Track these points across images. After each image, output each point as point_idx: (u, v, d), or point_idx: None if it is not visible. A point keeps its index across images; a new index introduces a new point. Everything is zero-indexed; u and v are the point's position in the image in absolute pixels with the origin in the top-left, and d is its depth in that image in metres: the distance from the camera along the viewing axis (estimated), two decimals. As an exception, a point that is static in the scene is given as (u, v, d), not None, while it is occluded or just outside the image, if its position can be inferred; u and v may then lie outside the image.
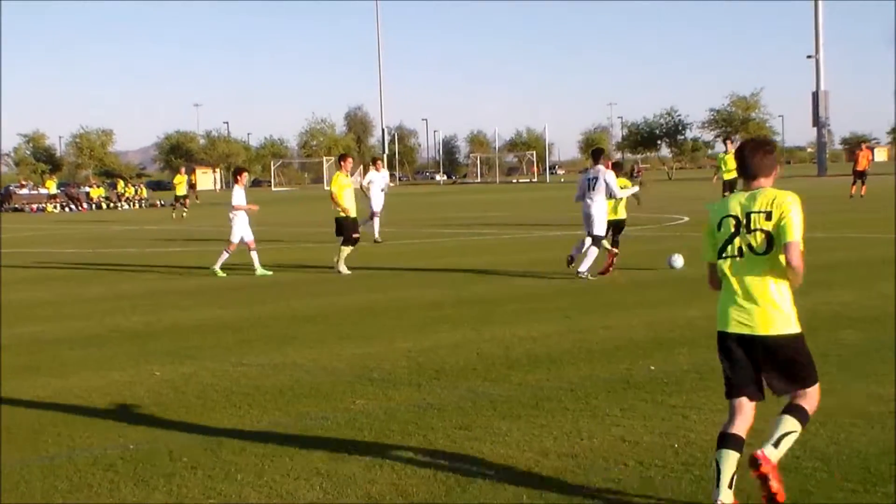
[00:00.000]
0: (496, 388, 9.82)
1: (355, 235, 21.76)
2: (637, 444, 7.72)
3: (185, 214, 52.33)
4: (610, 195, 19.35)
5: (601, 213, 19.21)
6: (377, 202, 30.74)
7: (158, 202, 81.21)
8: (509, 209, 50.84)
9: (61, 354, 12.66)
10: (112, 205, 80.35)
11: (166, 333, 14.08)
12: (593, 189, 19.18)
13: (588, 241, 19.25)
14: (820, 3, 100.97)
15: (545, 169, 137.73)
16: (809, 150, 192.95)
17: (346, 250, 21.50)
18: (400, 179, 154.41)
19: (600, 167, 19.39)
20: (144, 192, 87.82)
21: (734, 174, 32.39)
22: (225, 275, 21.40)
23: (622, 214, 20.65)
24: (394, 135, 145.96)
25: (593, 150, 21.07)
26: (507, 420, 8.57)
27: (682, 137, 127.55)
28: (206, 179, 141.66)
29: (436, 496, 6.76)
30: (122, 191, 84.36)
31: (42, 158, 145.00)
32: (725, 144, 31.46)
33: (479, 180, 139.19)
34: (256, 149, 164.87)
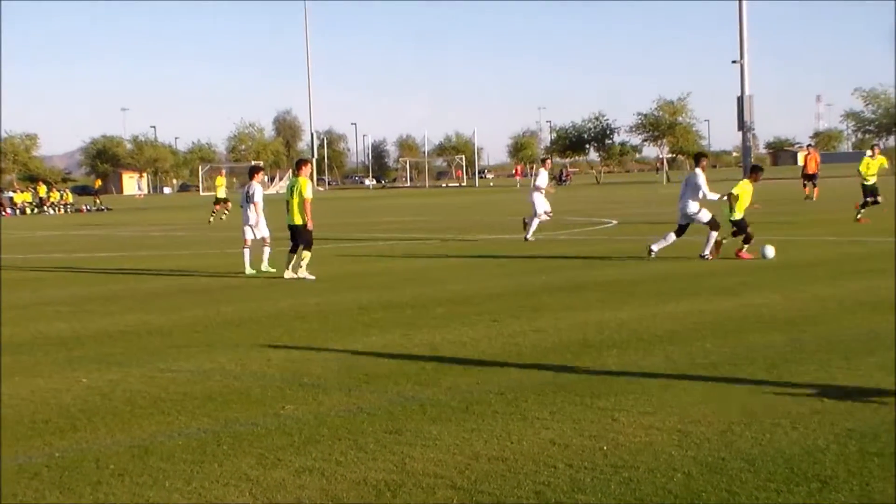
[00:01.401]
0: (426, 392, 9.82)
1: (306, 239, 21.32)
2: (566, 446, 7.77)
3: (224, 217, 49.31)
4: (701, 195, 21.86)
5: (694, 207, 22.02)
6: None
7: (84, 207, 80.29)
8: (439, 213, 50.89)
9: (-15, 362, 12.45)
10: (37, 210, 79.25)
11: (93, 339, 13.90)
12: (689, 187, 21.98)
13: (672, 235, 22.54)
14: (745, 8, 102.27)
15: (474, 173, 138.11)
16: (735, 154, 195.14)
17: (307, 256, 21.11)
18: (329, 184, 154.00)
19: (697, 170, 22.25)
20: (70, 198, 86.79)
21: (874, 179, 32.77)
22: (274, 270, 21.72)
23: (739, 215, 21.92)
24: (323, 139, 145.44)
25: (695, 154, 24.46)
26: (438, 424, 8.58)
27: (610, 142, 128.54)
28: (132, 184, 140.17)
29: (366, 500, 6.75)
30: (46, 196, 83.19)
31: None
32: (872, 150, 31.44)
33: (408, 184, 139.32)
34: (184, 153, 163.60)
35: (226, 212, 50.06)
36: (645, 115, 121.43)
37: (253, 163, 35.58)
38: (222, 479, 7.27)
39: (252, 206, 22.69)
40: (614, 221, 36.05)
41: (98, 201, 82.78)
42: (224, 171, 60.55)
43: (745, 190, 22.22)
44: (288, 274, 20.90)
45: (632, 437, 7.96)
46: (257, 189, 22.93)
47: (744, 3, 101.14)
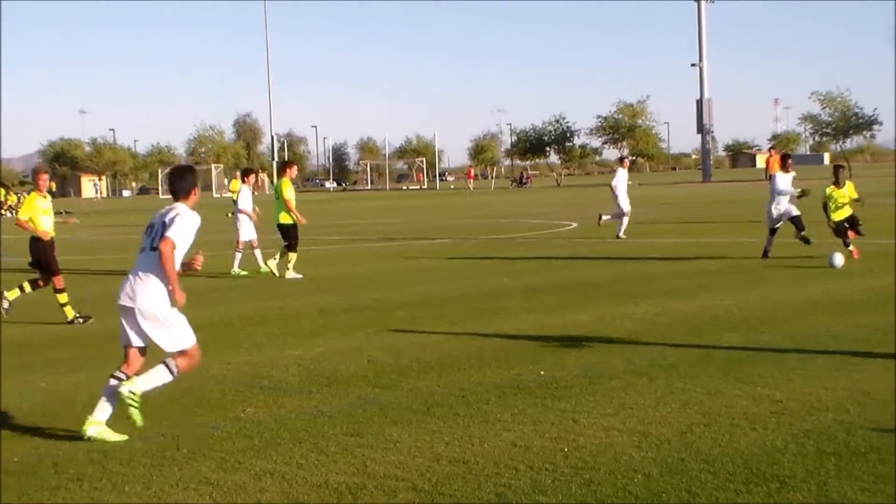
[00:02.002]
0: (387, 395, 9.83)
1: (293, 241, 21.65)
2: (527, 448, 7.79)
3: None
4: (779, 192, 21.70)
5: (776, 206, 21.73)
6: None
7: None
8: (400, 216, 50.87)
9: (-59, 366, 12.34)
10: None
11: (51, 344, 13.81)
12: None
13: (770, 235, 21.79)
14: (703, 12, 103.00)
15: (435, 176, 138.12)
16: (694, 156, 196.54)
17: (293, 256, 21.47)
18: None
19: (779, 173, 22.38)
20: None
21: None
22: (245, 273, 22.18)
23: (847, 213, 21.35)
24: (283, 142, 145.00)
25: (782, 154, 24.01)
26: (399, 426, 8.58)
27: (571, 144, 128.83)
28: (91, 187, 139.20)
29: (327, 503, 6.75)
30: (4, 199, 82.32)
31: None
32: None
33: (369, 187, 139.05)
34: (143, 156, 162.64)
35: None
36: (605, 118, 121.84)
37: (245, 167, 35.27)
38: (182, 483, 7.25)
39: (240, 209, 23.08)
40: (574, 224, 36.17)
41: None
42: (238, 175, 59.22)
43: (835, 192, 21.43)
44: (290, 274, 21.29)
45: (592, 438, 7.99)
46: (241, 193, 23.41)
47: (702, 6, 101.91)
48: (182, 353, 8.74)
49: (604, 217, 30.63)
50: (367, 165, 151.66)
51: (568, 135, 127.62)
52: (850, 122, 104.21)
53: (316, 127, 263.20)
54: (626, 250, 24.80)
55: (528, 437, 8.11)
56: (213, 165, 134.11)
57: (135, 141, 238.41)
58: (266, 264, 22.05)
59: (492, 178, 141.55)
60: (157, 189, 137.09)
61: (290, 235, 21.53)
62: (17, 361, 12.45)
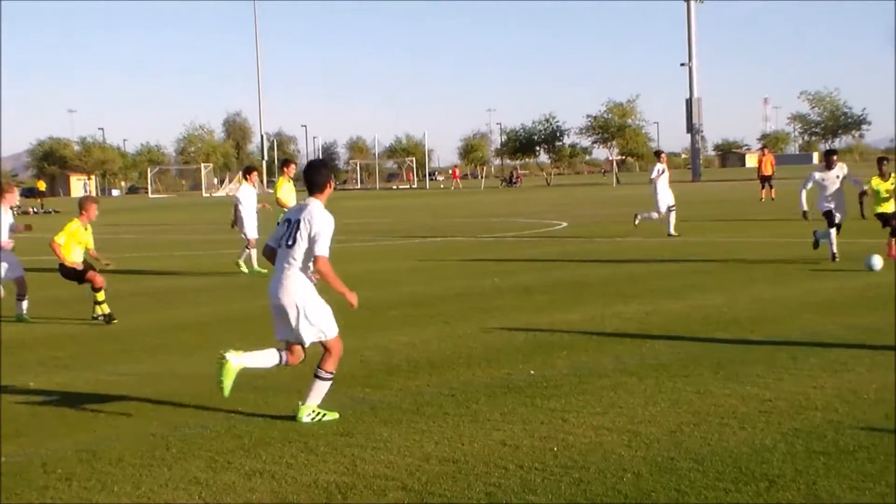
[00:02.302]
0: (377, 394, 9.83)
1: None
2: (517, 447, 7.79)
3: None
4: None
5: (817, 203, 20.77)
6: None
7: (31, 209, 79.43)
8: (390, 215, 50.86)
9: (-70, 366, 12.30)
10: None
11: (41, 343, 13.77)
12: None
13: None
14: (693, 11, 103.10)
15: (425, 175, 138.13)
16: (684, 156, 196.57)
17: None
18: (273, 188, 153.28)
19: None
20: (16, 200, 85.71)
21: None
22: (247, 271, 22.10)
23: (891, 206, 20.82)
24: (273, 141, 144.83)
25: (826, 151, 22.90)
26: (389, 426, 8.58)
27: (560, 143, 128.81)
28: (80, 186, 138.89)
29: (316, 503, 6.75)
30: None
31: None
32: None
33: (358, 187, 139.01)
34: (133, 155, 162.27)
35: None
36: (594, 118, 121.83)
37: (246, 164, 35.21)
38: (171, 483, 7.24)
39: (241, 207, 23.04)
40: (564, 223, 36.19)
41: (42, 203, 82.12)
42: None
43: (882, 184, 21.09)
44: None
45: (582, 437, 8.00)
46: (241, 191, 23.47)
47: (692, 6, 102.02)
48: (293, 352, 9.16)
49: (639, 217, 29.50)
50: (356, 165, 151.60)
51: (558, 134, 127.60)
52: (838, 122, 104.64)
53: (306, 126, 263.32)
54: (617, 250, 24.78)
55: (518, 436, 8.12)
56: (202, 165, 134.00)
57: (124, 140, 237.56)
58: (244, 263, 22.15)
59: (482, 177, 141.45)
60: (147, 188, 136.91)
61: None
62: (12, 360, 12.41)
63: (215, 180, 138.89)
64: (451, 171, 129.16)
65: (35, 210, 79.16)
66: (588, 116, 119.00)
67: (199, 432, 8.64)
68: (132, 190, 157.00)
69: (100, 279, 15.54)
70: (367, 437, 8.26)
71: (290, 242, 8.87)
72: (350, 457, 7.70)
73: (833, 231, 20.25)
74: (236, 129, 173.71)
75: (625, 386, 9.72)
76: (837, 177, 20.57)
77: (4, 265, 16.52)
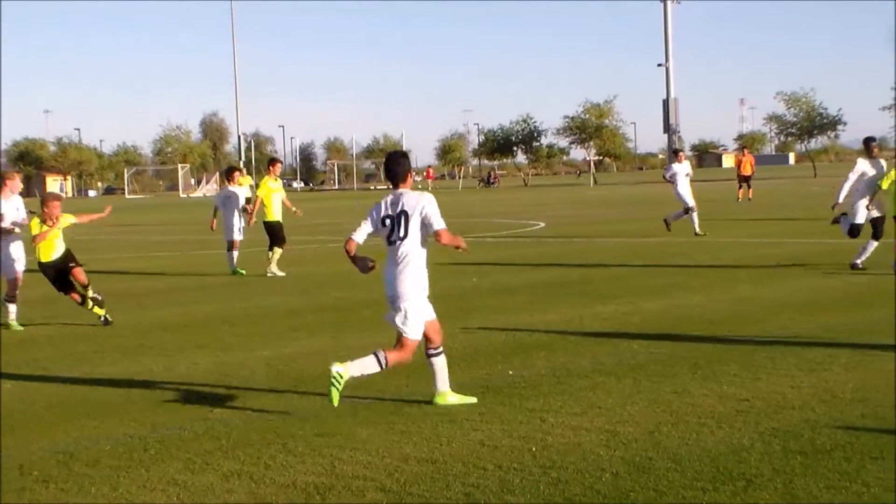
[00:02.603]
0: (355, 395, 9.81)
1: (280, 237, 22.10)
2: (496, 447, 7.80)
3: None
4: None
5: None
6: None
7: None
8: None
9: None
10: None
11: (17, 345, 13.71)
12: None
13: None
14: (669, 12, 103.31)
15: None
16: (661, 156, 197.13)
17: (278, 252, 21.87)
18: (258, 186, 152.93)
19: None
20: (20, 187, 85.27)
21: None
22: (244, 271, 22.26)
23: None
24: (250, 142, 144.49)
25: (865, 139, 19.38)
26: (367, 427, 8.57)
27: (538, 144, 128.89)
28: (55, 187, 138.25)
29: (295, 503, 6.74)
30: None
31: None
32: None
33: (336, 187, 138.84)
34: (109, 156, 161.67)
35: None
36: (572, 118, 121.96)
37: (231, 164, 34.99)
38: (149, 485, 7.22)
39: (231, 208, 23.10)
40: (542, 224, 36.23)
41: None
42: (243, 171, 56.36)
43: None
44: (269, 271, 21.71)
45: (560, 437, 8.01)
46: (222, 193, 23.92)
47: (668, 6, 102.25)
48: (402, 346, 9.21)
49: (670, 220, 28.77)
50: (334, 165, 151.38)
51: (535, 134, 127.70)
52: (814, 122, 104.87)
53: (283, 127, 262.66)
54: (594, 250, 24.81)
55: (497, 436, 8.13)
56: (179, 165, 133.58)
57: (100, 141, 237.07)
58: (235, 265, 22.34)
59: (459, 177, 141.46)
60: (123, 189, 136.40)
61: (272, 233, 21.96)
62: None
63: (192, 181, 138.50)
64: (425, 172, 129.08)
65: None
66: (565, 117, 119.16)
67: (177, 433, 8.61)
68: (109, 191, 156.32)
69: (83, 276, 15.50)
70: (346, 437, 8.25)
71: (402, 235, 9.09)
72: (328, 458, 7.69)
73: (875, 243, 18.30)
74: (213, 130, 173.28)
75: (603, 386, 9.74)
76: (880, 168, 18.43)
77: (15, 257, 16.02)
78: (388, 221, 9.13)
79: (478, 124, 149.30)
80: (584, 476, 6.99)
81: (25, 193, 70.80)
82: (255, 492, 6.98)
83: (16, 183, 16.68)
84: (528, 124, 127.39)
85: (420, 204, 9.12)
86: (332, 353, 12.11)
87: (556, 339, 12.36)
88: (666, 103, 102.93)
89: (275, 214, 22.16)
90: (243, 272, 22.20)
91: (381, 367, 9.10)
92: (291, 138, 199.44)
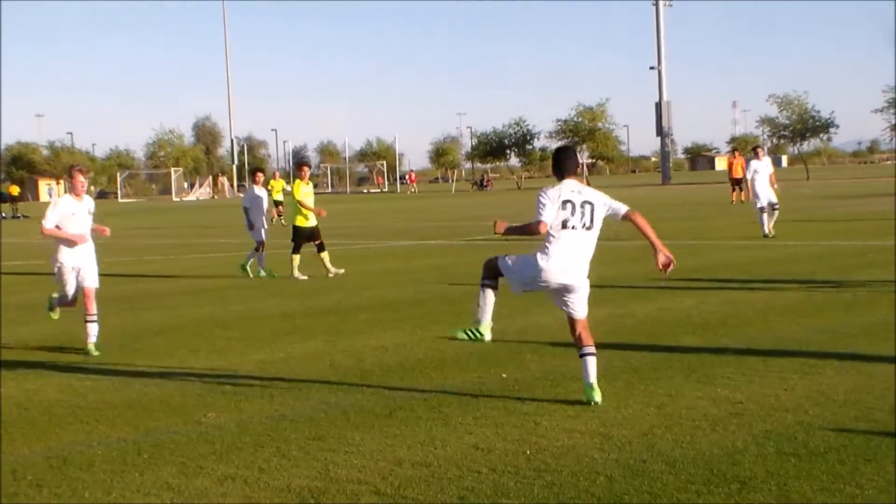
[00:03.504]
0: (349, 399, 9.81)
1: (318, 241, 22.00)
2: (490, 451, 7.80)
3: (283, 222, 41.70)
4: None
5: None
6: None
7: (2, 214, 78.93)
8: (359, 219, 50.77)
9: None
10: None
11: (8, 349, 13.68)
12: None
13: None
14: (661, 14, 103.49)
15: (395, 179, 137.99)
16: (654, 159, 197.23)
17: (325, 257, 21.85)
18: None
19: None
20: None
21: None
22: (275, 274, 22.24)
23: None
24: (243, 145, 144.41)
25: None
26: (361, 430, 8.57)
27: (531, 147, 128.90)
28: (47, 191, 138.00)
29: (289, 508, 6.74)
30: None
31: None
32: None
33: (329, 190, 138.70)
34: (102, 160, 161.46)
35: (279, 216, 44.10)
36: (564, 121, 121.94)
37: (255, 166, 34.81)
38: (143, 489, 7.21)
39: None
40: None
41: (15, 208, 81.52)
42: (278, 174, 54.79)
43: None
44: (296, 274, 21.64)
45: (554, 440, 8.02)
46: (248, 194, 23.57)
47: (660, 9, 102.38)
48: (580, 326, 9.57)
49: (765, 225, 27.38)
50: (327, 168, 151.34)
51: (528, 137, 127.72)
52: (807, 125, 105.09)
53: (276, 130, 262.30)
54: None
55: (491, 439, 8.13)
56: (172, 169, 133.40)
57: (93, 145, 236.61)
58: (257, 269, 22.47)
59: (452, 181, 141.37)
60: (116, 193, 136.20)
61: (303, 236, 21.88)
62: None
63: (185, 184, 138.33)
64: (407, 176, 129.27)
65: (5, 215, 78.56)
66: (558, 120, 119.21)
67: (171, 437, 8.61)
68: (102, 195, 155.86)
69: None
70: (340, 441, 8.25)
71: (589, 225, 9.29)
72: (323, 461, 7.69)
73: None
74: (206, 134, 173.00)
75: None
76: None
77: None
78: (568, 206, 9.23)
79: (470, 127, 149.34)
80: (579, 479, 7.00)
81: (21, 198, 69.80)
82: (249, 496, 6.98)
83: (78, 182, 13.63)
84: (521, 127, 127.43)
85: (599, 195, 9.43)
86: (325, 356, 12.13)
87: (548, 342, 12.35)
88: (658, 106, 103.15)
89: (309, 219, 21.99)
90: (275, 274, 22.19)
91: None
92: (284, 142, 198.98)
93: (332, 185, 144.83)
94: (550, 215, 9.23)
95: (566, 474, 7.12)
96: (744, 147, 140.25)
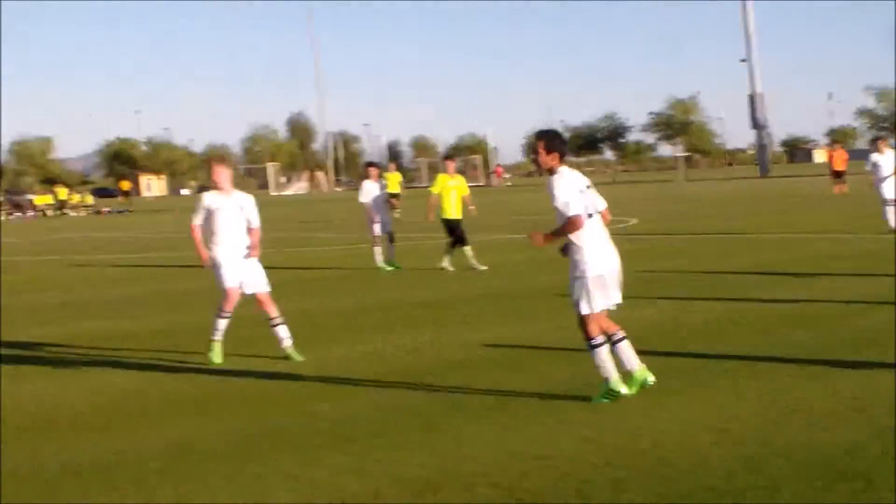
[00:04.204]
0: (459, 390, 9.79)
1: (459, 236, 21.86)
2: (605, 444, 7.72)
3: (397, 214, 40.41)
4: None
5: None
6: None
7: (104, 209, 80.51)
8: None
9: None
10: (58, 212, 79.06)
11: (123, 337, 13.94)
12: None
13: None
14: (749, 6, 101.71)
15: (489, 173, 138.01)
16: (750, 151, 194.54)
17: (468, 250, 21.67)
18: (347, 184, 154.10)
19: None
20: (91, 199, 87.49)
21: None
22: (391, 268, 22.27)
23: None
24: (337, 140, 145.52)
25: None
26: (473, 423, 8.54)
27: (624, 140, 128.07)
28: (150, 186, 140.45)
29: (403, 499, 6.75)
30: (67, 198, 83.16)
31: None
32: None
33: (426, 185, 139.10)
34: (200, 155, 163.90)
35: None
36: (657, 114, 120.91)
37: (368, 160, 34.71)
38: (263, 478, 7.29)
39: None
40: (634, 220, 35.90)
41: (130, 203, 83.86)
42: (393, 167, 53.25)
43: None
44: (475, 265, 21.39)
45: (669, 434, 7.93)
46: (363, 189, 23.15)
47: (749, 3, 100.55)
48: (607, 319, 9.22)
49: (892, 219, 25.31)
50: (425, 163, 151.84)
51: (620, 131, 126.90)
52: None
53: (369, 125, 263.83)
54: (676, 249, 24.45)
55: (605, 433, 8.01)
56: (268, 164, 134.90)
57: (190, 139, 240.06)
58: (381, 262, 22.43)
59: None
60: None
61: (451, 230, 21.83)
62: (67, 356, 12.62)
63: (283, 179, 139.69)
64: (494, 170, 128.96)
65: (109, 210, 80.00)
66: (651, 113, 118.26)
67: (285, 428, 8.70)
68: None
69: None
70: (453, 433, 8.23)
71: (601, 208, 9.27)
72: (437, 453, 7.67)
73: None
74: (300, 129, 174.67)
75: (708, 383, 9.63)
76: None
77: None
78: (582, 194, 9.05)
79: (563, 121, 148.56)
80: (698, 473, 6.90)
81: (132, 192, 70.60)
82: (367, 486, 6.99)
83: (219, 170, 12.98)
84: (613, 121, 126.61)
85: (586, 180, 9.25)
86: (431, 347, 12.15)
87: (658, 335, 12.19)
88: (751, 98, 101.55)
89: (452, 212, 21.94)
90: (400, 266, 22.25)
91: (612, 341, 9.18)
92: (378, 136, 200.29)
93: (429, 180, 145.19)
94: (581, 206, 8.94)
95: (684, 468, 7.04)
96: (842, 139, 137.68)
